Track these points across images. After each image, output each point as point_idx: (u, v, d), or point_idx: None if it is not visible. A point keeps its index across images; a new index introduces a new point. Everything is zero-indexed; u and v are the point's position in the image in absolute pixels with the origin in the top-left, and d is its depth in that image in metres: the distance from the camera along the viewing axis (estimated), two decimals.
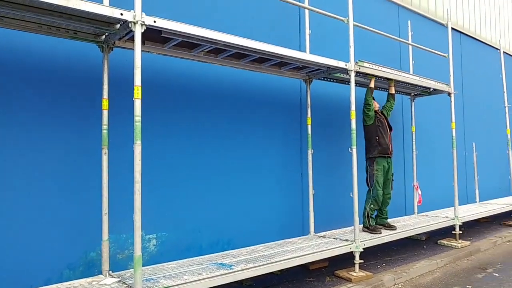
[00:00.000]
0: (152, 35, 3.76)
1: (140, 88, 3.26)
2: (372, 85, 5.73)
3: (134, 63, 3.25)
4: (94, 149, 3.85)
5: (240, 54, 4.50)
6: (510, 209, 8.65)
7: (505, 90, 9.03)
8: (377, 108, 5.98)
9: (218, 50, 4.32)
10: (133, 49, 3.27)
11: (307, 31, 5.58)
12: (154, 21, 3.39)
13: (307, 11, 5.62)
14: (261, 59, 4.72)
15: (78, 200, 3.91)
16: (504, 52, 9.86)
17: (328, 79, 5.87)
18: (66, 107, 3.92)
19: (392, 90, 6.25)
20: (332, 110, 6.41)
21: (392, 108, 6.23)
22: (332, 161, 6.36)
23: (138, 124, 3.24)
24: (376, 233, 5.54)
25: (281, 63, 4.94)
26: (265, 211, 5.47)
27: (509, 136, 8.99)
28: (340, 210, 6.13)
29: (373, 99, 5.84)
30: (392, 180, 6.04)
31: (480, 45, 10.98)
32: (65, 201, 3.84)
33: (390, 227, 5.87)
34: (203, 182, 4.87)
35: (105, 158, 3.72)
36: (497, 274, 5.30)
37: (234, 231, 5.07)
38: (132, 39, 3.40)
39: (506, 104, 9.00)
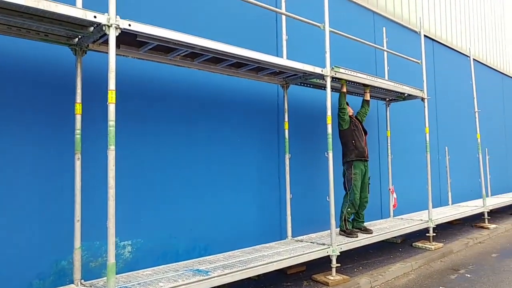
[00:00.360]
0: (128, 39, 3.71)
1: (114, 92, 3.21)
2: (344, 89, 5.81)
3: (108, 67, 3.20)
4: (67, 154, 3.75)
5: (217, 59, 4.48)
6: (481, 211, 8.92)
7: (475, 96, 9.33)
8: (351, 114, 6.07)
9: (194, 54, 4.30)
10: (107, 53, 3.21)
11: (284, 37, 5.62)
12: (129, 25, 3.34)
13: (283, 17, 5.67)
14: (238, 64, 4.72)
15: (48, 206, 3.78)
16: (474, 59, 10.21)
17: (305, 84, 5.92)
18: (37, 111, 3.80)
19: (367, 97, 6.35)
20: (309, 115, 6.46)
21: (366, 114, 6.32)
22: (309, 165, 6.41)
23: (112, 129, 3.18)
24: (353, 237, 5.60)
25: (258, 68, 4.95)
26: (243, 216, 5.45)
27: (479, 141, 9.28)
28: (317, 214, 6.19)
29: (347, 104, 5.93)
30: (369, 183, 6.12)
31: (452, 52, 11.34)
32: (35, 208, 3.72)
33: (367, 231, 5.94)
34: (180, 188, 4.81)
35: (78, 164, 3.62)
36: (469, 275, 5.44)
37: (211, 237, 5.02)
38: (106, 42, 3.34)
39: (476, 109, 9.30)
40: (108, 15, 3.18)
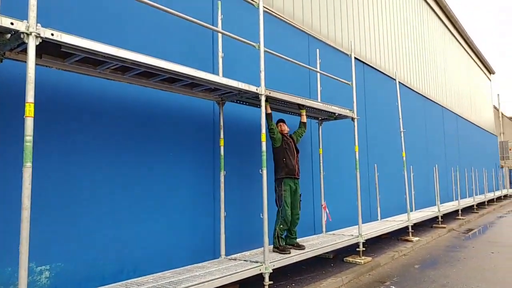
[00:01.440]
0: (52, 49, 3.49)
1: (32, 105, 2.98)
2: (268, 110, 5.81)
3: (26, 77, 2.97)
4: None
5: (149, 73, 4.37)
6: (406, 225, 9.50)
7: (400, 116, 10.01)
8: (285, 132, 6.20)
9: (125, 68, 4.16)
10: (26, 62, 2.99)
11: (220, 54, 5.65)
12: (52, 34, 3.14)
13: (220, 35, 5.70)
14: (172, 79, 4.64)
15: None
16: (399, 82, 10.99)
17: (241, 102, 5.96)
18: None
19: (304, 119, 6.53)
20: (245, 132, 6.50)
21: (301, 135, 6.48)
22: (245, 182, 6.41)
23: (29, 145, 2.95)
24: (286, 253, 5.65)
25: (193, 84, 4.91)
26: (175, 235, 5.28)
27: (404, 158, 9.93)
28: (251, 231, 6.18)
29: (283, 122, 6.04)
30: (300, 200, 6.24)
31: (380, 75, 12.13)
32: None
33: (299, 247, 6.04)
34: (106, 206, 4.54)
35: None
36: (393, 287, 5.71)
37: (140, 258, 4.79)
38: (26, 51, 3.11)
39: (401, 129, 9.96)
40: (28, 22, 2.97)
